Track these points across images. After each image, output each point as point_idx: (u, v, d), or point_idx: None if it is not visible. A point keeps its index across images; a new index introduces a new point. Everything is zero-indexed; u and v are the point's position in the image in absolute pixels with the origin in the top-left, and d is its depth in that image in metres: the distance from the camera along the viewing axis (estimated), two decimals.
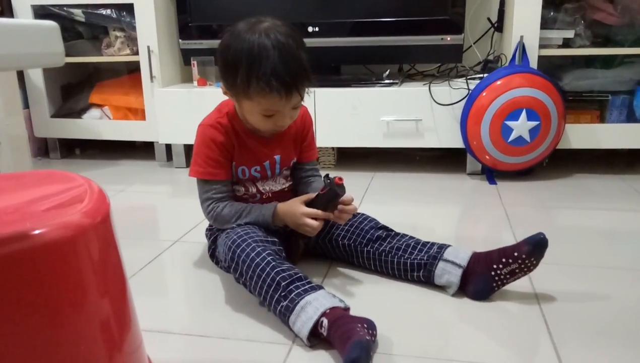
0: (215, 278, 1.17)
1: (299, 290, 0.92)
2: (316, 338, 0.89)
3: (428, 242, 1.10)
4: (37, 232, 0.55)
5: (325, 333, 0.87)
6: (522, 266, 1.00)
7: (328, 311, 0.88)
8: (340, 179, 1.03)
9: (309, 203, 1.08)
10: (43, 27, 0.52)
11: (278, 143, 1.17)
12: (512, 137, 1.72)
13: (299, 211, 1.07)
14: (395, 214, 1.58)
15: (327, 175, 1.07)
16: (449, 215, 1.58)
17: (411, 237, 1.13)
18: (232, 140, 1.11)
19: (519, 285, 1.06)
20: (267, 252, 0.98)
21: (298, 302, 0.90)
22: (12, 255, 0.54)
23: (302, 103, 1.09)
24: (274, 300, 0.93)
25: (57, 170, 0.75)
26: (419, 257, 1.07)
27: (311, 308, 0.89)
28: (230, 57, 1.01)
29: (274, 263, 0.96)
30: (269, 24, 1.01)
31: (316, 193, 1.09)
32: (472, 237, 1.40)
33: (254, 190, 1.18)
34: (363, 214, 1.20)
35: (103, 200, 0.70)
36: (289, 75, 0.98)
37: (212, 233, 1.19)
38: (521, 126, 1.70)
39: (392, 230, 1.15)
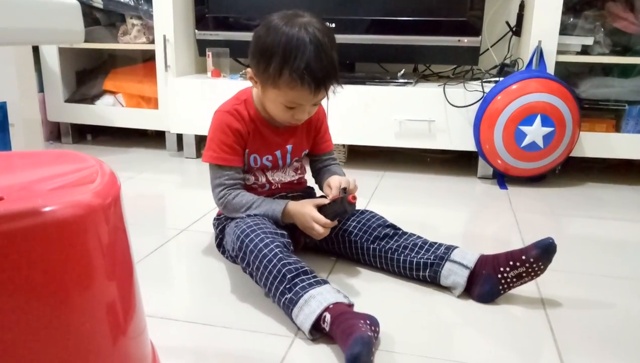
0: (221, 267, 1.17)
1: (303, 284, 0.92)
2: (318, 333, 0.89)
3: (436, 243, 1.09)
4: (47, 209, 0.55)
5: (327, 328, 0.87)
6: (530, 270, 0.99)
7: (331, 306, 0.88)
8: (354, 197, 1.03)
9: (319, 208, 1.08)
10: (64, 4, 0.52)
11: (291, 133, 1.18)
12: (526, 142, 1.70)
13: (309, 214, 1.07)
14: (404, 214, 1.57)
15: (344, 189, 1.08)
16: (458, 218, 1.57)
17: (419, 237, 1.12)
18: (247, 128, 1.12)
19: (525, 289, 1.05)
20: (275, 244, 0.98)
21: (302, 295, 0.90)
22: (21, 231, 0.54)
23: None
24: (279, 291, 0.93)
25: (70, 150, 0.76)
26: (425, 257, 1.07)
27: (315, 302, 0.89)
28: (267, 44, 1.03)
29: (281, 255, 0.96)
30: (308, 19, 1.03)
31: (328, 200, 1.09)
32: (480, 240, 1.39)
33: (264, 180, 1.18)
34: (371, 212, 1.19)
35: (114, 183, 0.70)
36: (321, 72, 1.00)
37: (220, 223, 1.19)
38: (535, 131, 1.69)
39: (399, 229, 1.15)
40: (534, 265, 0.98)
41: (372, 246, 1.13)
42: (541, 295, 1.06)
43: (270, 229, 1.03)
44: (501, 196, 1.73)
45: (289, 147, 1.18)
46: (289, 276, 0.93)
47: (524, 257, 0.99)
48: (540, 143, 1.70)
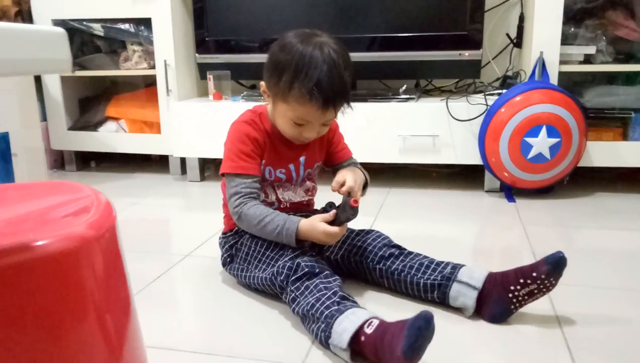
0: (226, 293, 1.15)
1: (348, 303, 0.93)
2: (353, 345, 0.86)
3: (442, 262, 1.06)
4: (39, 243, 0.53)
5: (371, 332, 0.84)
6: (541, 286, 0.96)
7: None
8: (356, 201, 1.02)
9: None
10: (50, 33, 0.50)
11: (303, 147, 1.17)
12: (532, 153, 1.68)
13: (322, 231, 1.04)
14: (411, 231, 1.54)
15: (349, 194, 1.06)
16: (466, 233, 1.54)
17: (425, 256, 1.09)
18: (264, 138, 1.12)
19: (539, 306, 1.02)
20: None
21: (349, 308, 0.90)
22: (13, 267, 0.52)
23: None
24: (324, 305, 0.92)
25: (66, 181, 0.74)
26: (432, 277, 1.03)
27: (362, 312, 0.89)
28: (281, 58, 1.03)
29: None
30: (325, 39, 1.04)
31: (332, 215, 1.07)
32: (490, 255, 1.36)
33: (273, 197, 1.17)
34: (377, 232, 1.17)
35: (109, 212, 0.68)
36: (330, 91, 1.00)
37: (227, 241, 1.18)
38: (541, 143, 1.66)
39: (404, 249, 1.12)
40: (545, 281, 0.95)
41: (377, 266, 1.10)
42: (555, 312, 1.03)
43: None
44: (509, 209, 1.70)
45: (301, 159, 1.17)
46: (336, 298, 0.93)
47: (534, 274, 0.95)
48: (547, 154, 1.68)
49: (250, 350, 0.92)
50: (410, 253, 1.11)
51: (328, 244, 1.10)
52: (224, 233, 1.21)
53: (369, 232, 1.17)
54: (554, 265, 0.95)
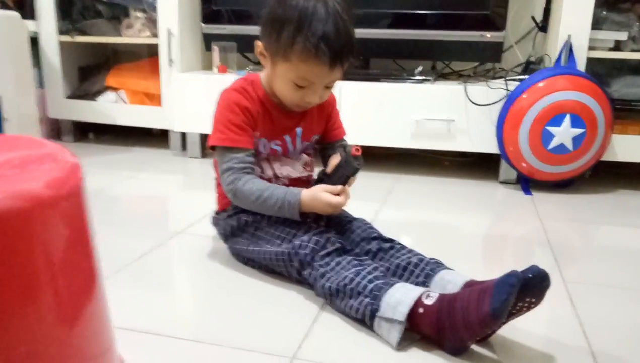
0: (219, 274, 1.05)
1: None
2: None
3: (420, 262, 0.92)
4: None
5: (432, 302, 0.78)
6: (518, 307, 0.77)
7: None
8: (358, 149, 0.94)
9: (325, 180, 0.99)
10: None
11: (301, 116, 1.08)
12: (553, 144, 1.57)
13: (325, 200, 0.96)
14: (419, 220, 1.44)
15: (343, 147, 0.99)
16: (479, 225, 1.44)
17: (405, 252, 0.96)
18: (256, 107, 1.02)
19: (559, 308, 0.92)
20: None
21: (397, 281, 0.84)
22: None
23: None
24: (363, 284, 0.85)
25: (30, 136, 0.65)
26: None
27: (412, 286, 0.83)
28: (280, 12, 0.94)
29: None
30: None
31: (330, 169, 0.99)
32: (503, 250, 1.26)
33: (270, 173, 1.08)
34: (359, 221, 1.06)
35: (74, 172, 0.58)
36: (337, 43, 0.92)
37: (226, 216, 1.08)
38: (564, 133, 1.55)
39: (386, 242, 1.00)
40: (519, 303, 0.76)
41: None
42: (575, 310, 0.93)
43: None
44: (525, 202, 1.59)
45: (298, 130, 1.07)
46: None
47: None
48: (570, 145, 1.56)
49: (238, 339, 0.82)
50: (391, 247, 0.98)
51: (333, 214, 1.01)
52: (217, 212, 1.12)
53: (350, 221, 1.07)
54: (525, 287, 0.74)
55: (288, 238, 0.98)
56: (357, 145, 0.95)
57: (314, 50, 0.91)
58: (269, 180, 1.07)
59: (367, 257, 0.94)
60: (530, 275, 0.75)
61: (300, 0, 0.93)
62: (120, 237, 1.25)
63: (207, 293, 0.99)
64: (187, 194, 1.66)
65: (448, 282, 0.87)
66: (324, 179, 1.02)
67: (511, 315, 0.78)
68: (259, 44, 1.01)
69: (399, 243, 0.99)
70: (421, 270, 0.91)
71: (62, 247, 0.51)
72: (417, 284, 0.88)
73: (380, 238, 1.01)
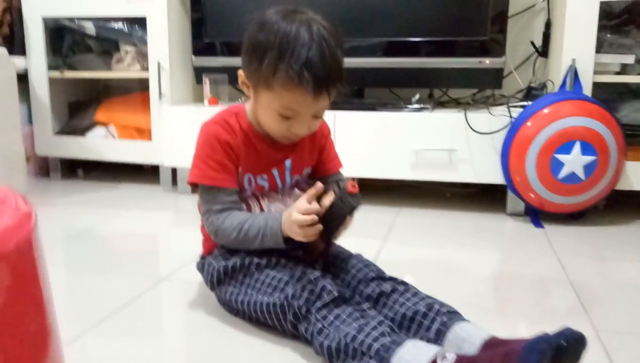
0: (206, 328, 0.95)
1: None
2: None
3: (429, 311, 0.81)
4: None
5: None
6: None
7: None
8: (354, 185, 0.84)
9: (319, 222, 0.88)
10: None
11: (290, 148, 0.99)
12: (564, 173, 1.48)
13: (295, 204, 0.88)
14: (424, 257, 1.34)
15: (337, 182, 0.90)
16: (488, 262, 1.34)
17: (410, 297, 0.85)
18: (238, 141, 0.94)
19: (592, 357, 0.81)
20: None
21: (407, 340, 0.73)
22: None
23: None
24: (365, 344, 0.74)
25: None
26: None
27: (425, 344, 0.73)
28: (262, 38, 0.87)
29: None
30: (310, 15, 0.89)
31: (323, 209, 0.88)
32: (518, 294, 1.15)
33: (257, 210, 0.98)
34: (356, 259, 0.96)
35: (25, 222, 0.49)
36: (322, 70, 0.84)
37: (212, 261, 0.98)
38: (574, 161, 1.47)
39: (387, 280, 0.89)
40: None
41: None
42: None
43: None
44: (537, 236, 1.49)
45: (287, 162, 0.99)
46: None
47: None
48: (581, 174, 1.48)
49: None
50: (393, 291, 0.86)
51: (304, 235, 0.87)
52: (202, 256, 1.02)
53: (345, 259, 0.96)
54: (556, 353, 0.64)
55: (280, 286, 0.88)
56: (353, 180, 0.86)
57: (296, 78, 0.83)
58: None
59: (369, 307, 0.83)
60: (564, 342, 0.64)
61: (282, 24, 0.86)
62: (105, 281, 1.16)
63: (192, 352, 0.88)
64: (176, 233, 1.57)
65: (464, 341, 0.75)
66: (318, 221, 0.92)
67: None
68: (241, 73, 0.94)
69: (402, 282, 0.89)
70: (431, 321, 0.80)
71: (6, 307, 0.42)
72: (427, 340, 0.77)
73: (380, 277, 0.90)
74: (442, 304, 0.83)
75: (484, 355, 0.68)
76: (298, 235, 0.88)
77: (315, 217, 0.86)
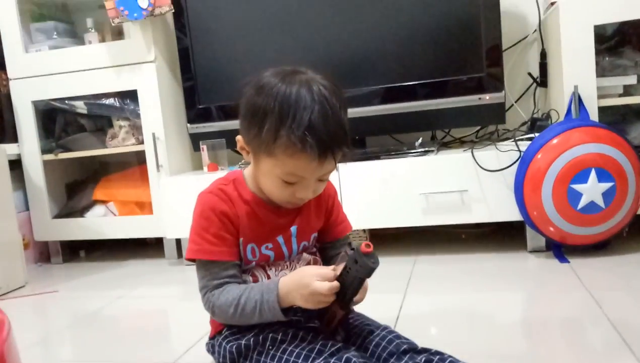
0: None
1: None
2: None
3: None
4: None
5: None
6: None
7: None
8: (369, 244, 0.77)
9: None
10: None
11: (296, 212, 0.93)
12: (583, 203, 1.41)
13: (306, 272, 0.81)
14: (446, 306, 1.26)
15: (349, 244, 0.82)
16: (517, 307, 1.26)
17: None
18: (237, 210, 0.89)
19: None
20: None
21: None
22: None
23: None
24: None
25: None
26: None
27: None
28: (260, 102, 0.82)
29: None
30: (310, 75, 0.84)
31: (336, 272, 0.81)
32: (556, 339, 1.06)
33: (265, 280, 0.91)
34: (383, 329, 0.88)
35: None
36: (326, 134, 0.79)
37: (224, 342, 0.90)
38: (592, 189, 1.41)
39: (420, 352, 0.81)
40: None
41: None
42: None
43: None
44: (564, 271, 1.41)
45: (293, 229, 0.92)
46: None
47: None
48: (601, 202, 1.41)
49: None
50: (428, 361, 0.78)
51: (323, 302, 0.81)
52: (210, 337, 0.95)
53: (371, 331, 0.88)
54: None
55: (301, 362, 0.80)
56: (367, 241, 0.80)
57: (299, 144, 0.78)
58: None
59: None
60: None
61: (281, 86, 0.81)
62: None
63: None
64: (186, 308, 1.48)
65: None
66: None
67: None
68: (239, 139, 0.89)
69: (437, 352, 0.80)
70: None
71: None
72: None
73: (413, 350, 0.82)
74: None
75: None
76: (308, 303, 0.81)
77: (337, 284, 0.79)
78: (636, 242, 1.58)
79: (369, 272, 0.78)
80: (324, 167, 0.83)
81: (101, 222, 2.02)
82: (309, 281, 0.80)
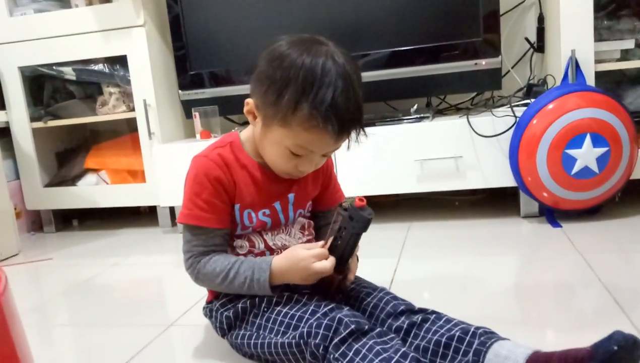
0: None
1: None
2: None
3: (465, 335, 0.74)
4: None
5: None
6: None
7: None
8: (362, 199, 0.78)
9: (331, 250, 0.83)
10: None
11: (293, 179, 0.92)
12: (577, 168, 1.42)
13: (299, 256, 0.82)
14: (440, 272, 1.27)
15: (340, 205, 0.82)
16: (511, 272, 1.27)
17: (442, 324, 0.78)
18: (232, 177, 0.88)
19: None
20: None
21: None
22: None
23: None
24: None
25: None
26: None
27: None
28: (281, 70, 0.79)
29: None
30: (332, 48, 0.81)
31: (330, 236, 0.83)
32: (549, 300, 1.08)
33: (262, 245, 0.91)
34: (380, 291, 0.89)
35: None
36: (347, 112, 0.79)
37: (220, 306, 0.91)
38: (586, 154, 1.41)
39: (417, 312, 0.82)
40: None
41: None
42: None
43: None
44: (557, 236, 1.42)
45: (290, 196, 0.92)
46: None
47: None
48: (595, 167, 1.41)
49: None
50: (424, 321, 0.79)
51: (322, 275, 0.83)
52: (208, 301, 0.95)
53: (369, 293, 0.89)
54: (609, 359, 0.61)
55: (293, 323, 0.81)
56: (359, 196, 0.80)
57: (321, 120, 0.77)
58: (261, 253, 0.91)
59: (391, 335, 0.76)
60: (615, 348, 0.57)
61: (306, 57, 0.78)
62: (112, 333, 1.10)
63: None
64: (180, 275, 1.48)
65: (506, 359, 0.68)
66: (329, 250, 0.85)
67: None
68: (249, 102, 0.86)
69: (434, 312, 0.81)
70: (468, 344, 0.72)
71: None
72: None
73: (410, 310, 0.82)
74: (478, 327, 0.75)
75: None
76: (308, 281, 0.83)
77: (334, 260, 0.81)
78: (628, 206, 1.60)
79: (366, 225, 0.79)
80: (336, 145, 0.82)
81: (93, 191, 2.01)
82: (306, 264, 0.81)
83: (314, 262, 0.81)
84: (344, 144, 0.84)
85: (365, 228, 0.80)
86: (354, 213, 0.78)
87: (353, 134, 0.83)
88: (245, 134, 0.91)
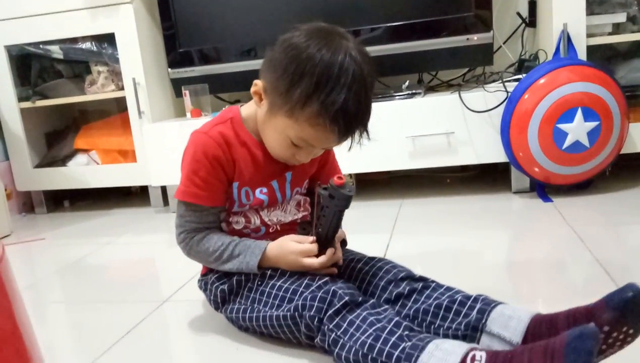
0: (215, 349, 0.88)
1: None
2: None
3: (467, 299, 0.75)
4: None
5: None
6: (611, 341, 0.63)
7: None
8: (340, 177, 0.79)
9: (315, 230, 0.84)
10: None
11: None
12: (568, 142, 1.42)
13: (293, 252, 0.84)
14: (432, 247, 1.28)
15: (319, 184, 0.83)
16: (502, 242, 1.28)
17: (442, 291, 0.79)
18: (231, 155, 0.87)
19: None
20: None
21: (428, 341, 0.66)
22: None
23: None
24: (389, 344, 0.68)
25: None
26: (454, 327, 0.74)
27: (449, 343, 0.66)
28: (298, 60, 0.77)
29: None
30: (351, 43, 0.79)
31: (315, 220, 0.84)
32: (541, 273, 1.09)
33: (258, 221, 0.91)
34: (379, 261, 0.90)
35: None
36: (355, 116, 0.78)
37: (216, 280, 0.92)
38: (577, 128, 1.41)
39: (417, 279, 0.83)
40: (614, 333, 0.63)
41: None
42: None
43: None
44: (548, 210, 1.44)
45: (287, 174, 0.91)
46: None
47: (593, 324, 0.62)
48: (586, 141, 1.42)
49: None
50: (425, 287, 0.80)
51: (312, 270, 0.84)
52: (203, 274, 0.95)
53: (368, 262, 0.90)
54: (624, 310, 0.62)
55: (288, 296, 0.82)
56: (339, 174, 0.81)
57: (328, 121, 0.76)
58: (257, 229, 0.92)
59: (385, 306, 0.76)
60: (630, 294, 0.60)
61: (326, 52, 0.75)
62: (106, 310, 1.10)
63: None
64: (172, 254, 1.48)
65: (510, 318, 0.70)
66: (310, 229, 0.86)
67: (599, 354, 0.61)
68: (257, 83, 0.83)
69: (434, 281, 0.82)
70: (470, 308, 0.74)
71: None
72: (467, 326, 0.72)
73: (410, 277, 0.83)
74: (480, 294, 0.77)
75: (520, 352, 0.61)
76: (293, 269, 0.85)
77: (325, 258, 0.84)
78: (618, 180, 1.61)
79: (347, 201, 0.80)
80: (338, 143, 0.83)
81: (84, 171, 1.99)
82: (295, 258, 0.83)
83: (303, 258, 0.83)
84: (345, 143, 0.84)
85: (346, 206, 0.81)
86: (333, 191, 0.79)
87: (356, 135, 0.83)
88: (246, 110, 0.90)
